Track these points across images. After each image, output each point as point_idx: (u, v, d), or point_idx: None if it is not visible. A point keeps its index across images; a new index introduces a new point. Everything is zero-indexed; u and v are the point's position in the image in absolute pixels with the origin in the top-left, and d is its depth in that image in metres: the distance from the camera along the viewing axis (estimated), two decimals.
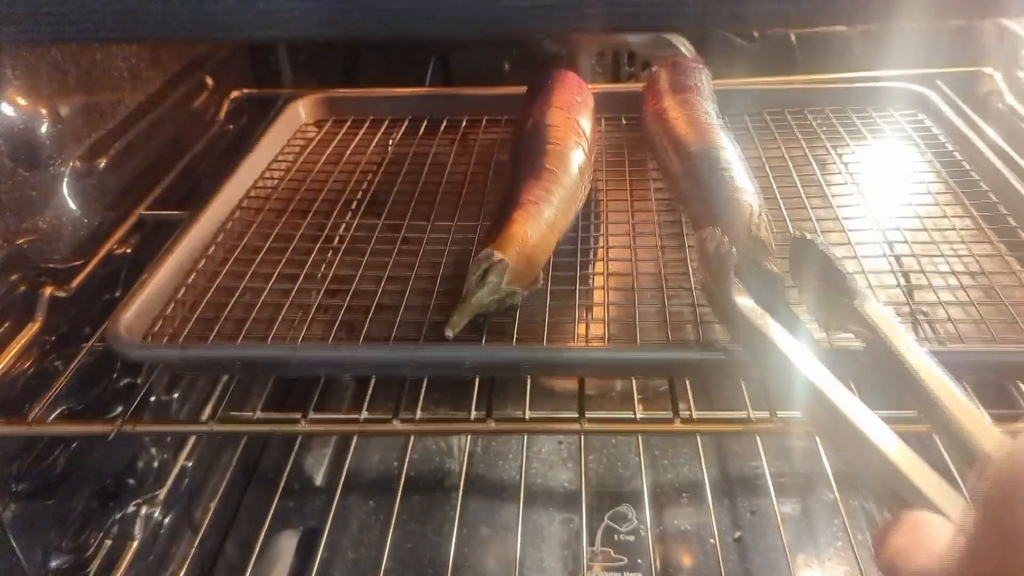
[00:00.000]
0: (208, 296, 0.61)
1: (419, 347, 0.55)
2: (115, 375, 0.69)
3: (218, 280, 0.63)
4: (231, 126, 0.95)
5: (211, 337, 0.57)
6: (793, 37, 0.97)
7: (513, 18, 0.37)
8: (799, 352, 0.43)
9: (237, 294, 0.61)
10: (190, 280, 0.63)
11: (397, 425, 0.56)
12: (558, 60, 0.89)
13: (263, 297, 0.61)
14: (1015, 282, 0.60)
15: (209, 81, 0.93)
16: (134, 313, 0.57)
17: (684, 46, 0.95)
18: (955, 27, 0.94)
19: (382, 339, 0.56)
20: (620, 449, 0.93)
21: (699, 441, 0.83)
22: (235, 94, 0.96)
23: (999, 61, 0.87)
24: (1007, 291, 0.59)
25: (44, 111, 0.65)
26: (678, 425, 0.55)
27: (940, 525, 0.29)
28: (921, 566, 0.27)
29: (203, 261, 0.66)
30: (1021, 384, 0.60)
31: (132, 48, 0.77)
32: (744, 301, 0.48)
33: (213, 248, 0.67)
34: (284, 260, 0.65)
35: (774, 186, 0.72)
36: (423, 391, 0.73)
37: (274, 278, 0.63)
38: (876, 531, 0.31)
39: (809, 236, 0.52)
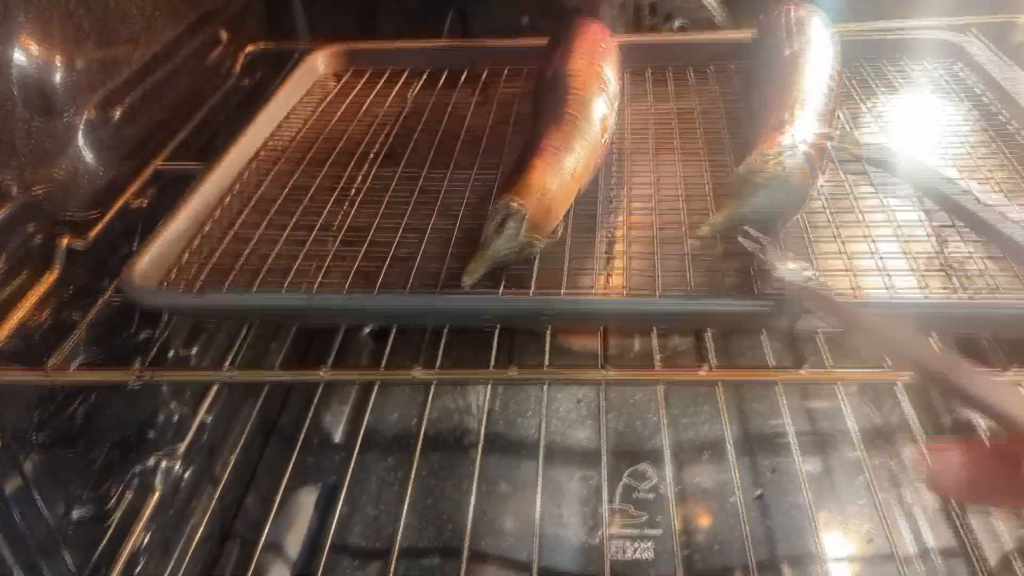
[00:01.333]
0: (224, 245, 0.61)
1: (436, 295, 0.54)
2: (134, 327, 0.69)
3: (234, 229, 0.62)
4: (246, 80, 0.93)
5: (226, 285, 0.56)
6: None
7: None
8: None
9: (253, 243, 0.61)
10: (206, 229, 0.63)
11: (417, 374, 0.56)
12: (577, 12, 0.86)
13: (279, 246, 0.60)
14: None
15: (224, 34, 0.91)
16: (149, 261, 0.57)
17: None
18: None
19: (399, 288, 0.55)
20: (640, 407, 0.92)
21: (720, 398, 0.81)
22: (250, 48, 0.95)
23: None
24: None
25: (58, 58, 0.64)
26: (703, 374, 0.54)
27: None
28: None
29: (219, 211, 0.65)
30: None
31: None
32: None
33: (229, 198, 0.67)
34: (300, 210, 0.64)
35: None
36: (441, 347, 0.72)
37: (290, 227, 0.62)
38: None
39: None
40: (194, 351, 0.81)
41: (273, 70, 0.94)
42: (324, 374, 0.56)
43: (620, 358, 0.97)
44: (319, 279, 0.56)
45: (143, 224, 0.70)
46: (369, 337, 1.00)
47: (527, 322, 0.55)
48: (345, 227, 0.62)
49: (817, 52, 0.69)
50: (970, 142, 0.69)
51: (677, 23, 0.94)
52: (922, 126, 0.72)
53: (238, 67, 0.93)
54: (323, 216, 0.64)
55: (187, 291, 0.55)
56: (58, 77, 0.64)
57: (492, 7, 1.00)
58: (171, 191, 0.70)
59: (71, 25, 0.66)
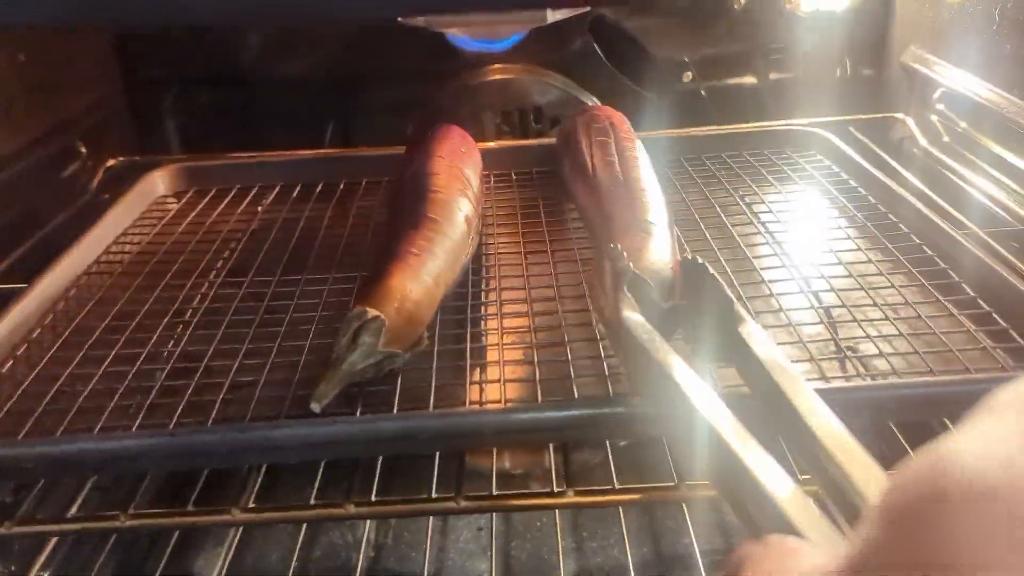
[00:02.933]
0: (24, 385, 0.51)
1: (275, 425, 0.45)
2: None
3: (39, 367, 0.53)
4: (106, 196, 0.85)
5: (21, 434, 0.46)
6: (704, 91, 0.95)
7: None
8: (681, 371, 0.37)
9: (60, 381, 0.51)
10: (5, 369, 0.53)
11: (352, 509, 0.46)
12: (459, 119, 0.83)
13: (92, 383, 0.51)
14: (941, 311, 0.55)
15: (81, 148, 0.84)
16: None
17: (591, 101, 0.92)
18: (865, 76, 0.93)
19: (237, 419, 0.47)
20: (545, 533, 0.84)
21: (623, 520, 0.74)
22: (111, 162, 0.87)
23: (911, 107, 0.86)
24: (934, 321, 0.54)
25: None
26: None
27: (809, 551, 0.26)
28: None
29: (24, 346, 0.55)
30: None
31: None
32: (633, 316, 0.43)
33: (39, 331, 0.57)
34: (123, 339, 0.55)
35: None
36: (377, 475, 0.61)
37: (108, 360, 0.53)
38: (734, 553, 0.26)
39: (700, 259, 0.47)
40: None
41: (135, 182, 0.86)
42: (238, 515, 0.46)
43: (527, 477, 0.88)
44: (139, 419, 0.47)
45: None
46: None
47: (396, 446, 0.46)
48: (176, 355, 0.54)
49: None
50: (844, 228, 0.67)
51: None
52: (799, 218, 0.70)
53: (96, 181, 0.85)
54: (150, 344, 0.55)
55: None
56: None
57: (374, 119, 0.97)
58: None
59: None
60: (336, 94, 0.97)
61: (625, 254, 0.46)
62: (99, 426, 0.47)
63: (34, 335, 0.57)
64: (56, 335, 0.57)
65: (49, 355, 0.54)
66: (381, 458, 0.57)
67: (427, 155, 0.67)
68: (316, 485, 0.56)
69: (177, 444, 0.44)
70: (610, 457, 0.50)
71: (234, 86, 0.97)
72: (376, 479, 0.56)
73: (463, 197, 0.62)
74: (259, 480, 0.49)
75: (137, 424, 0.47)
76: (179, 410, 0.48)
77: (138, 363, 0.53)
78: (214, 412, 0.48)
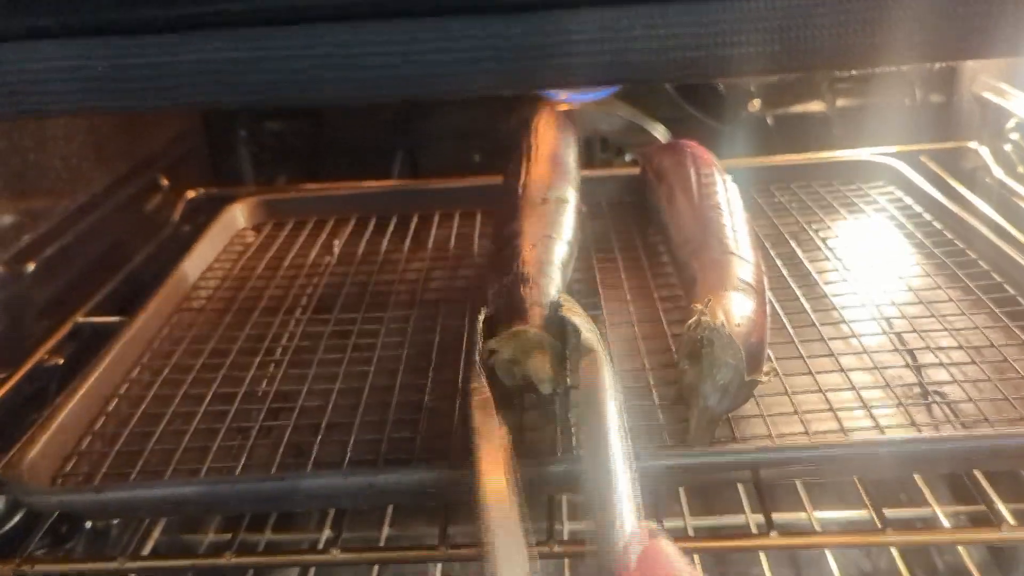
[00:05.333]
0: (131, 425, 0.53)
1: (378, 471, 0.47)
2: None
3: (143, 405, 0.55)
4: (187, 227, 0.89)
5: (133, 475, 0.48)
6: (770, 120, 0.95)
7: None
8: None
9: (165, 421, 0.53)
10: (110, 407, 0.55)
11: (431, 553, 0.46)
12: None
13: (195, 422, 0.53)
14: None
15: (164, 181, 0.88)
16: (41, 450, 0.49)
17: (657, 131, 0.93)
18: (937, 104, 0.93)
19: (335, 464, 0.49)
20: None
21: None
22: (191, 194, 0.90)
23: (983, 135, 0.85)
24: (1021, 364, 0.54)
25: None
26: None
27: None
28: None
29: (126, 385, 0.58)
30: None
31: (73, 147, 0.72)
32: None
33: (138, 370, 0.59)
34: (219, 377, 0.58)
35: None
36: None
37: (208, 399, 0.55)
38: None
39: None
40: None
41: (217, 215, 0.89)
42: (319, 555, 0.47)
43: None
44: (243, 459, 0.49)
45: (57, 384, 0.63)
46: None
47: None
48: (271, 394, 0.56)
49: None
50: (919, 263, 0.67)
51: (628, 157, 0.94)
52: (872, 251, 0.70)
53: (178, 214, 0.88)
54: (245, 383, 0.57)
55: (85, 486, 0.47)
56: None
57: (442, 147, 0.99)
58: (91, 347, 0.63)
59: None
60: (403, 122, 0.99)
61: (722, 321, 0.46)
62: (206, 467, 0.49)
63: (134, 374, 0.59)
64: (155, 373, 0.59)
65: (151, 394, 0.56)
66: None
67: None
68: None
69: (284, 488, 0.46)
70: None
71: (304, 117, 1.00)
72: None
73: None
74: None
75: (241, 466, 0.49)
76: (280, 452, 0.50)
77: (236, 403, 0.55)
78: (313, 454, 0.50)
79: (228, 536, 0.57)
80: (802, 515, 0.63)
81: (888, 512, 0.46)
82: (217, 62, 0.31)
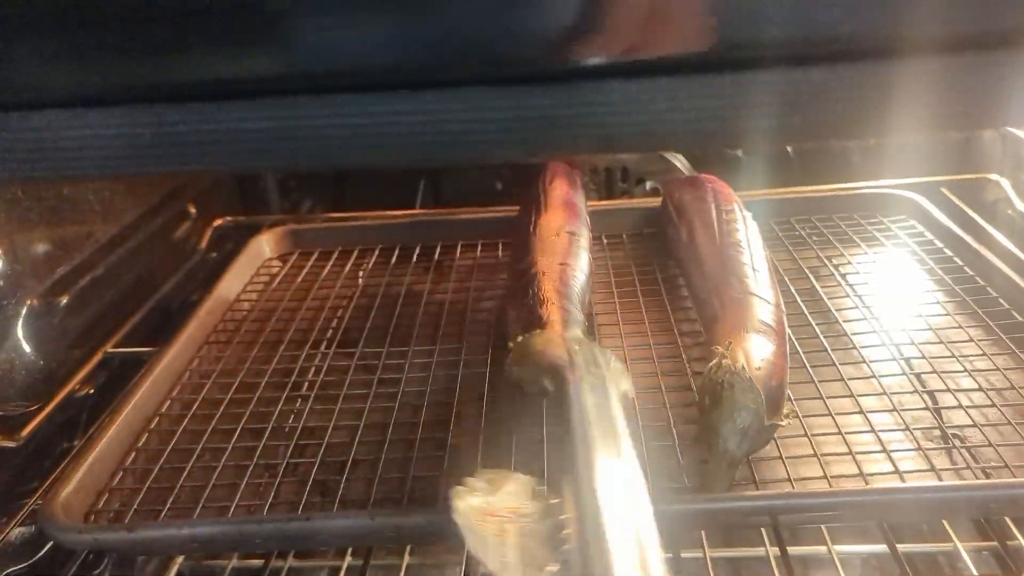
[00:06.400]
0: (161, 461, 0.54)
1: (403, 512, 0.48)
2: None
3: (173, 441, 0.56)
4: (214, 254, 0.91)
5: (164, 512, 0.49)
6: (790, 149, 0.96)
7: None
8: None
9: (195, 457, 0.54)
10: (141, 442, 0.56)
11: None
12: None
13: (224, 458, 0.54)
14: None
15: (192, 209, 0.90)
16: (76, 487, 0.50)
17: (679, 161, 0.93)
18: (959, 135, 0.93)
19: (360, 502, 0.50)
20: None
21: None
22: (218, 222, 0.93)
23: (1004, 167, 0.85)
24: None
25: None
26: None
27: None
28: None
29: (156, 419, 0.59)
30: None
31: (106, 180, 0.74)
32: None
33: (168, 403, 0.61)
34: (248, 413, 0.59)
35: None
36: None
37: (236, 434, 0.56)
38: None
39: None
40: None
41: (243, 243, 0.91)
42: None
43: None
44: (270, 497, 0.50)
45: (88, 414, 0.66)
46: None
47: None
48: (298, 430, 0.57)
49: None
50: (940, 301, 0.67)
51: (649, 185, 0.95)
52: (890, 286, 0.71)
53: (205, 242, 0.90)
54: (273, 419, 0.58)
55: (116, 525, 0.48)
56: None
57: (465, 175, 1.00)
58: (121, 377, 0.66)
59: (18, 214, 0.63)
60: None
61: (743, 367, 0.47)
62: (234, 505, 0.50)
63: (164, 408, 0.60)
64: (185, 407, 0.60)
65: (181, 428, 0.58)
66: None
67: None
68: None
69: (310, 528, 0.47)
70: None
71: None
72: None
73: None
74: None
75: (268, 504, 0.50)
76: (307, 490, 0.51)
77: (264, 439, 0.56)
78: (340, 492, 0.51)
79: (250, 562, 0.59)
80: (822, 548, 0.63)
81: (909, 547, 0.46)
82: (254, 131, 0.32)
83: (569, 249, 0.64)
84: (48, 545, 0.54)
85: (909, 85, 0.30)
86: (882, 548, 0.49)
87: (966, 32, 0.29)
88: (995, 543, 0.48)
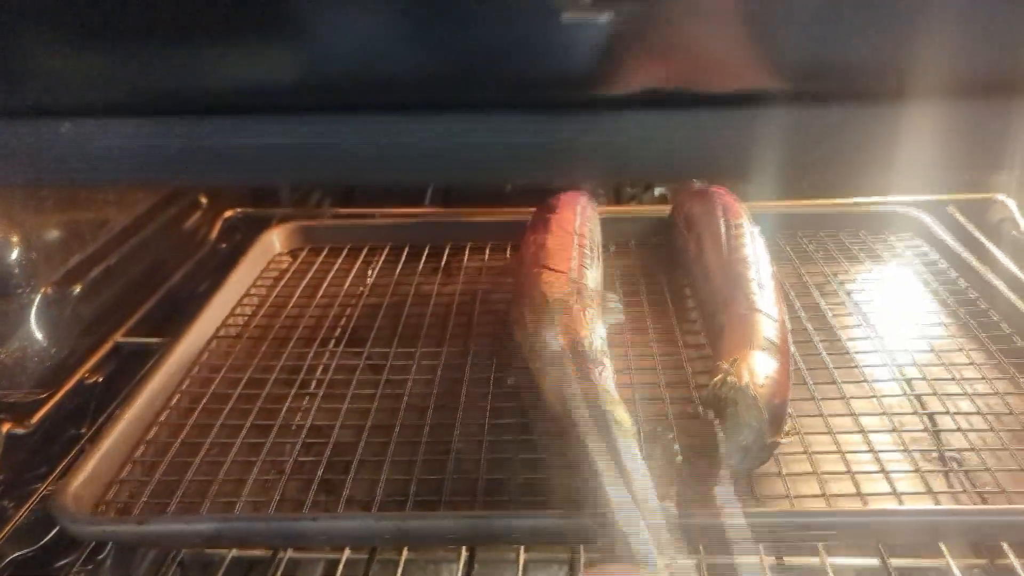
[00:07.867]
0: (170, 454, 0.55)
1: (407, 515, 0.49)
2: None
3: (182, 434, 0.57)
4: (223, 245, 0.91)
5: (171, 506, 0.50)
6: None
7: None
8: None
9: (203, 451, 0.55)
10: (150, 435, 0.57)
11: None
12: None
13: (232, 454, 0.55)
14: None
15: (203, 200, 0.90)
16: (86, 479, 0.51)
17: None
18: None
19: (364, 503, 0.50)
20: None
21: None
22: (229, 213, 0.93)
23: (1011, 187, 0.86)
24: None
25: (15, 238, 0.62)
26: None
27: None
28: None
29: (166, 412, 0.60)
30: None
31: None
32: None
33: (177, 397, 0.61)
34: (256, 409, 0.59)
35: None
36: None
37: (244, 430, 0.57)
38: None
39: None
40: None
41: (252, 235, 0.92)
42: None
43: None
44: (276, 494, 0.51)
45: (96, 402, 0.66)
46: None
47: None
48: (305, 428, 0.58)
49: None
50: (942, 321, 0.68)
51: (657, 191, 0.95)
52: (892, 304, 0.71)
53: (215, 233, 0.91)
54: (280, 415, 0.59)
55: (125, 517, 0.49)
56: (14, 256, 0.61)
57: None
58: (131, 366, 0.67)
59: (34, 204, 0.64)
60: None
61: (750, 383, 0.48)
62: (241, 500, 0.51)
63: (174, 401, 0.61)
64: (194, 401, 0.61)
65: (190, 422, 0.58)
66: None
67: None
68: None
69: (316, 528, 0.48)
70: None
71: None
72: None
73: None
74: None
75: (275, 502, 0.51)
76: (312, 489, 0.52)
77: (271, 436, 0.57)
78: (345, 492, 0.51)
79: (250, 552, 0.60)
80: (814, 560, 0.64)
81: (901, 560, 0.47)
82: (281, 146, 0.33)
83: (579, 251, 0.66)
84: (55, 530, 0.55)
85: (923, 126, 0.31)
86: (875, 562, 0.51)
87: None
88: (985, 561, 0.49)
